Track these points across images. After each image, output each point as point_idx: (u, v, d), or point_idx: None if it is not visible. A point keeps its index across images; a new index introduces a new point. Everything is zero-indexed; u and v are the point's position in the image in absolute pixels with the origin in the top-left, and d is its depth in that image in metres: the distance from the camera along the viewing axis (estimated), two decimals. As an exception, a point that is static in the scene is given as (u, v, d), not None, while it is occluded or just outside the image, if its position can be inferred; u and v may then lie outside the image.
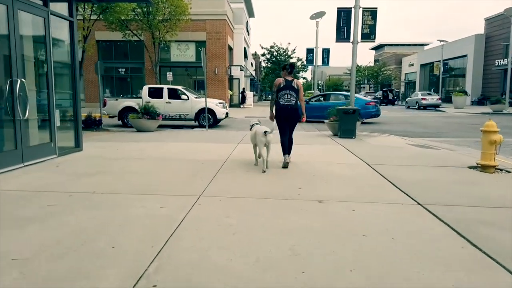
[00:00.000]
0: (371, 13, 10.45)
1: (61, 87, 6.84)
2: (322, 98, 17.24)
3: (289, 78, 5.70)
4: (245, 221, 3.21)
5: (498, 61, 31.20)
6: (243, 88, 31.91)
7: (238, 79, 31.92)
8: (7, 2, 5.09)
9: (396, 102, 39.00)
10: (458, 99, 27.90)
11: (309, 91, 37.83)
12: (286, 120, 5.73)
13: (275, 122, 5.76)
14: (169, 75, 20.73)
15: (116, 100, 13.64)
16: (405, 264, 2.42)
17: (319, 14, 21.32)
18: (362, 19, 10.41)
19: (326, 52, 27.16)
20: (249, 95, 32.35)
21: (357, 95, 16.51)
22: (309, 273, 2.28)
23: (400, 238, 2.85)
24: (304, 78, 60.29)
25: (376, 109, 15.57)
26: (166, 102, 13.09)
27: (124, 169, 5.41)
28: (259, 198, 3.94)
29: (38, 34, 5.99)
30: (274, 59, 43.01)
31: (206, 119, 12.27)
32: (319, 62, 26.02)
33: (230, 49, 29.37)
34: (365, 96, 38.37)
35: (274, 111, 5.78)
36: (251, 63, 43.51)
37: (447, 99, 33.82)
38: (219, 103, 13.68)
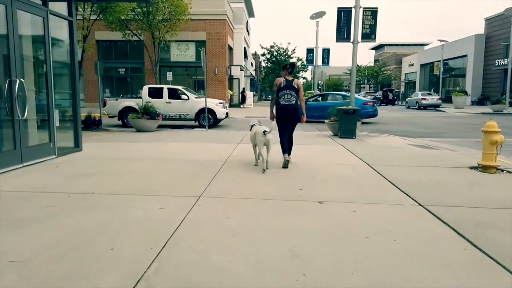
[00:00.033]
0: (372, 13, 10.43)
1: (61, 87, 6.82)
2: (320, 98, 17.24)
3: (290, 78, 5.69)
4: (245, 222, 3.18)
5: (498, 61, 31.19)
6: (243, 88, 31.89)
7: (238, 79, 31.90)
8: (6, 2, 5.06)
9: (396, 102, 38.99)
10: (458, 99, 27.89)
11: (309, 91, 37.83)
12: (286, 120, 5.72)
13: (274, 121, 5.74)
14: (169, 75, 20.71)
15: (116, 100, 13.61)
16: (406, 266, 2.39)
17: (319, 14, 21.29)
18: (363, 19, 10.39)
19: (326, 52, 27.09)
20: (249, 95, 32.32)
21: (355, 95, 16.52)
22: (309, 275, 2.26)
23: (401, 239, 2.83)
24: (304, 78, 60.31)
25: (373, 109, 15.60)
26: (166, 102, 13.06)
27: (123, 169, 5.39)
28: (259, 199, 3.91)
29: (37, 34, 5.97)
30: (274, 59, 43.00)
31: (206, 119, 12.25)
32: (319, 62, 25.97)
33: (230, 49, 29.35)
34: (364, 96, 38.38)
35: (274, 111, 5.77)
36: (251, 63, 43.49)
37: (447, 99, 33.79)
38: (219, 103, 13.66)
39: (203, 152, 7.00)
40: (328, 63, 27.63)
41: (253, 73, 44.98)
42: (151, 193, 4.06)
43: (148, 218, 3.25)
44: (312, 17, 21.53)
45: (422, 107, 27.94)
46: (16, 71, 5.24)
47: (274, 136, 5.55)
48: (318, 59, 25.30)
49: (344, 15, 10.68)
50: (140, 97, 13.21)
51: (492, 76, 33.05)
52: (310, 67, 40.25)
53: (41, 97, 6.13)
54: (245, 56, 35.77)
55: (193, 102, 13.18)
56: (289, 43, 57.48)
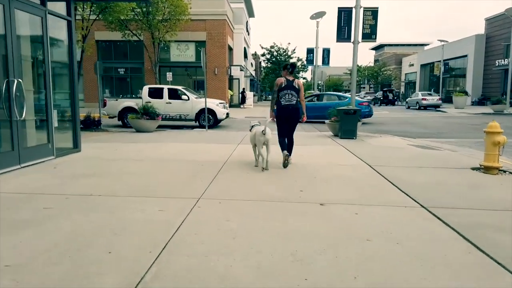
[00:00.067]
0: (372, 13, 10.39)
1: (59, 87, 6.78)
2: (316, 99, 17.19)
3: (290, 78, 5.67)
4: (245, 225, 3.13)
5: (498, 61, 31.14)
6: (243, 88, 31.84)
7: (238, 79, 31.86)
8: (3, 1, 5.02)
9: (396, 102, 38.94)
10: (459, 99, 27.84)
11: (309, 91, 37.77)
12: (287, 120, 5.69)
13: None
14: (169, 75, 20.67)
15: (116, 100, 13.57)
16: (410, 270, 2.35)
17: (319, 14, 21.25)
18: (363, 19, 10.35)
19: (326, 52, 27.05)
20: (249, 95, 32.27)
21: (348, 95, 16.51)
22: (311, 280, 2.21)
23: (405, 242, 2.78)
24: (304, 78, 60.22)
25: (368, 109, 15.63)
26: (167, 103, 13.01)
27: (122, 170, 5.34)
28: (260, 200, 3.87)
29: (36, 34, 5.92)
30: (274, 59, 42.93)
31: (206, 120, 12.20)
32: (319, 62, 25.94)
33: (230, 49, 29.30)
34: (364, 96, 38.34)
35: (274, 111, 5.74)
36: (251, 63, 43.45)
37: (448, 99, 33.72)
38: (220, 103, 13.61)
39: (203, 152, 6.95)
40: (328, 63, 27.60)
41: (253, 73, 44.94)
42: (150, 195, 4.01)
43: (147, 220, 3.20)
44: (312, 17, 21.49)
45: (422, 107, 27.89)
46: (14, 71, 5.19)
47: (274, 137, 5.50)
48: (318, 59, 25.28)
49: (344, 15, 10.64)
50: (140, 97, 13.16)
51: (492, 76, 33.00)
52: (310, 67, 40.19)
53: (39, 97, 6.09)
54: (245, 56, 35.73)
55: (193, 103, 13.13)
56: (289, 43, 57.50)
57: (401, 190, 4.27)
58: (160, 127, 11.70)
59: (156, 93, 13.14)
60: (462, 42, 36.51)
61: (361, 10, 10.26)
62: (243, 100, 30.46)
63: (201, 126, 12.84)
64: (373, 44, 62.82)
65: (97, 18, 14.28)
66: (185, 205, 3.61)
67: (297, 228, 3.06)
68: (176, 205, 3.64)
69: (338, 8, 10.72)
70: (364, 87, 61.00)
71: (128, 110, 12.85)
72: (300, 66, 43.81)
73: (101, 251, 2.58)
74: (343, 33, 10.75)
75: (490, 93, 31.96)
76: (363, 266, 2.39)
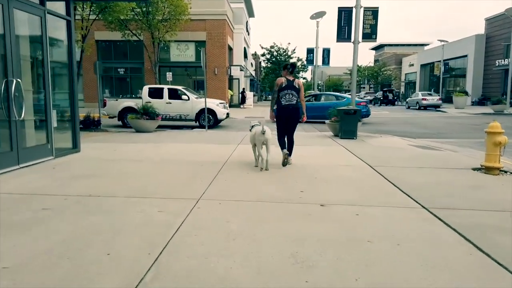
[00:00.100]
0: (372, 13, 10.37)
1: (59, 87, 6.76)
2: (313, 99, 17.19)
3: (291, 78, 5.67)
4: (245, 226, 3.11)
5: (498, 61, 31.12)
6: (243, 88, 31.82)
7: (238, 79, 31.83)
8: (2, 1, 4.99)
9: (396, 103, 38.94)
10: (459, 99, 27.82)
11: (308, 91, 37.74)
12: (287, 120, 5.69)
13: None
14: (169, 75, 20.64)
15: (116, 100, 13.55)
16: (411, 270, 2.33)
17: (320, 14, 21.22)
18: (363, 19, 10.33)
19: (326, 52, 27.02)
20: (249, 95, 32.24)
21: (346, 95, 16.54)
22: (312, 281, 2.19)
23: (406, 243, 2.76)
24: (304, 78, 60.21)
25: (366, 110, 15.71)
26: (167, 103, 12.99)
27: (122, 170, 5.32)
28: (260, 201, 3.84)
29: (35, 34, 5.89)
30: (274, 59, 42.90)
31: (206, 120, 12.18)
32: (319, 62, 25.92)
33: (230, 49, 29.28)
34: (364, 96, 38.31)
35: (275, 111, 5.73)
36: (251, 63, 43.42)
37: (448, 100, 33.70)
38: (220, 103, 13.59)
39: (202, 153, 6.93)
40: (328, 63, 27.58)
41: (253, 73, 44.91)
42: (149, 195, 3.98)
43: (146, 221, 3.18)
44: (312, 17, 21.47)
45: (423, 108, 27.87)
46: (13, 71, 5.16)
47: (273, 137, 5.48)
48: (318, 59, 25.26)
49: (344, 15, 10.62)
50: (140, 97, 13.14)
51: (492, 77, 32.98)
52: (310, 67, 40.17)
53: (38, 97, 6.06)
54: (245, 56, 35.70)
55: (193, 103, 13.11)
56: (289, 43, 57.44)
57: (401, 191, 4.25)
58: (160, 127, 11.67)
59: (156, 93, 13.12)
60: (462, 42, 36.50)
61: (361, 10, 10.24)
62: (243, 100, 30.44)
63: (201, 126, 12.81)
64: (373, 44, 62.82)
65: (97, 18, 14.25)
66: (184, 206, 3.59)
67: (298, 229, 3.04)
68: (175, 205, 3.62)
69: (338, 8, 10.70)
70: (364, 87, 60.97)
71: (128, 110, 12.82)
72: (300, 66, 43.79)
73: (100, 251, 2.56)
74: (343, 33, 10.72)
75: (490, 93, 31.94)
76: (364, 267, 2.37)
